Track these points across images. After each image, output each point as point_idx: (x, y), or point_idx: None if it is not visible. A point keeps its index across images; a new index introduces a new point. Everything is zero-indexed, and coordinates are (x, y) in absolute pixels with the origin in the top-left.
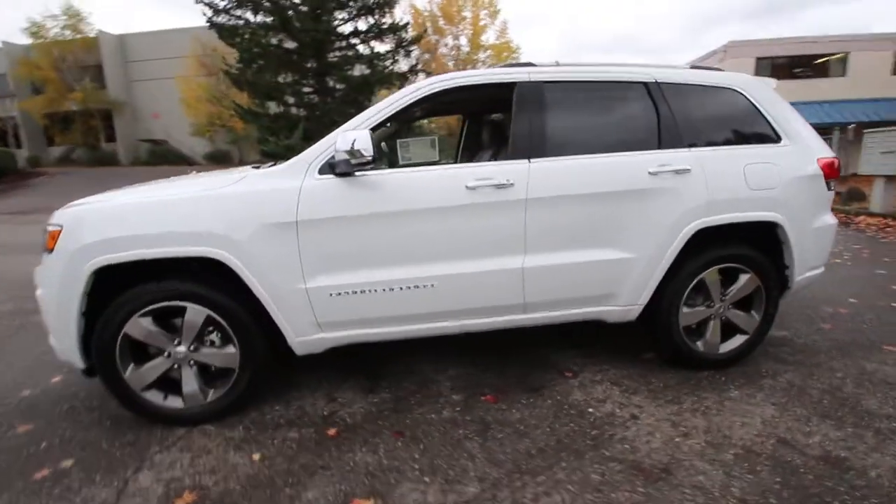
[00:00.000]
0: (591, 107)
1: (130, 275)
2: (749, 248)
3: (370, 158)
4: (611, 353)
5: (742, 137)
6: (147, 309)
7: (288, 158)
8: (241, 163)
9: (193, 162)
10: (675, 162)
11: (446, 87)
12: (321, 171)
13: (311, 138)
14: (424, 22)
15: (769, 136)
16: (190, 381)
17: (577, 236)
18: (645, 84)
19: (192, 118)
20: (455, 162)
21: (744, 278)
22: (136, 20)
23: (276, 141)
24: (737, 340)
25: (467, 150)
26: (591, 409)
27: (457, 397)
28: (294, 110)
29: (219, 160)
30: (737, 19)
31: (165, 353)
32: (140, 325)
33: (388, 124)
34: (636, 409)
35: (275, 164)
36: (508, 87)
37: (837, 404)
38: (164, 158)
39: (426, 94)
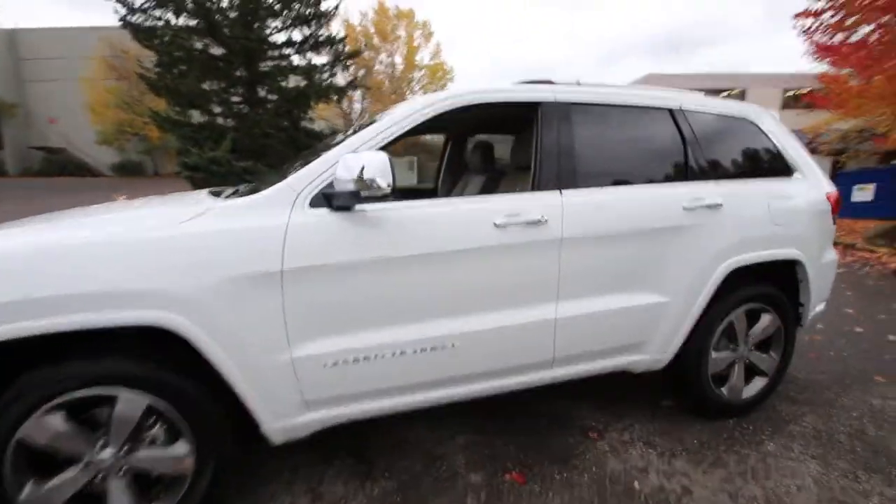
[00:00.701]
0: (618, 133)
1: (29, 352)
2: (772, 286)
3: (389, 191)
4: (625, 401)
5: (759, 170)
6: (56, 402)
7: (213, 171)
8: (156, 175)
9: (98, 173)
10: (707, 196)
11: (467, 102)
12: (313, 204)
13: (239, 150)
14: (358, 37)
15: (783, 169)
16: (120, 498)
17: (611, 279)
18: (670, 111)
19: (99, 125)
20: (437, 187)
21: (766, 318)
22: (32, 17)
23: (200, 153)
24: (758, 384)
25: (450, 174)
26: (636, 484)
27: (476, 478)
28: (221, 120)
29: (129, 171)
30: (639, 54)
31: (83, 462)
32: (43, 427)
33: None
34: (684, 479)
35: (238, 192)
36: (532, 106)
37: (872, 452)
38: (62, 168)
39: (445, 108)
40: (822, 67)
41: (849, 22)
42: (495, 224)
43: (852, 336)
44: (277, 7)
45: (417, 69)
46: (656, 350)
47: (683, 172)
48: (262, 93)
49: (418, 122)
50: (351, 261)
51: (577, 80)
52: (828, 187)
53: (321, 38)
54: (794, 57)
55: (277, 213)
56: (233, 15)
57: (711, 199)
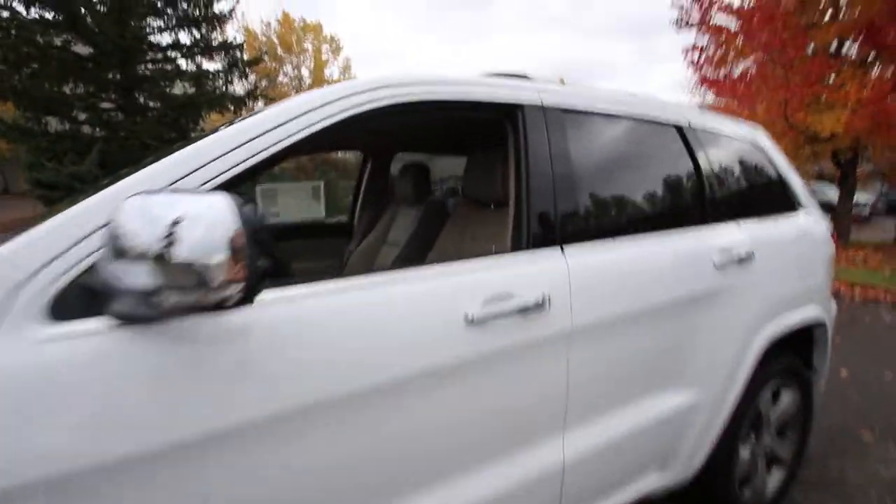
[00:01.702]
0: (624, 157)
1: None
2: (792, 355)
3: (241, 292)
4: None
5: (772, 205)
6: None
7: (75, 189)
8: (7, 193)
9: None
10: (736, 244)
11: (405, 98)
12: (57, 312)
13: (112, 164)
14: (261, 46)
15: (790, 203)
16: None
17: (633, 381)
18: (679, 128)
19: None
20: (352, 222)
21: (787, 396)
22: None
23: (58, 167)
24: (776, 476)
25: (370, 205)
26: None
27: None
28: (87, 129)
29: None
30: None
31: None
32: None
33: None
34: None
35: None
36: (508, 111)
37: None
38: None
39: (367, 106)
40: (698, 98)
41: (730, 56)
42: (468, 318)
43: None
44: (160, 5)
45: (327, 84)
46: (682, 464)
47: (702, 211)
48: (141, 99)
49: (313, 129)
50: (173, 441)
51: (560, 78)
52: (826, 222)
53: (214, 43)
54: (661, 91)
55: None
56: (102, 9)
57: (741, 249)
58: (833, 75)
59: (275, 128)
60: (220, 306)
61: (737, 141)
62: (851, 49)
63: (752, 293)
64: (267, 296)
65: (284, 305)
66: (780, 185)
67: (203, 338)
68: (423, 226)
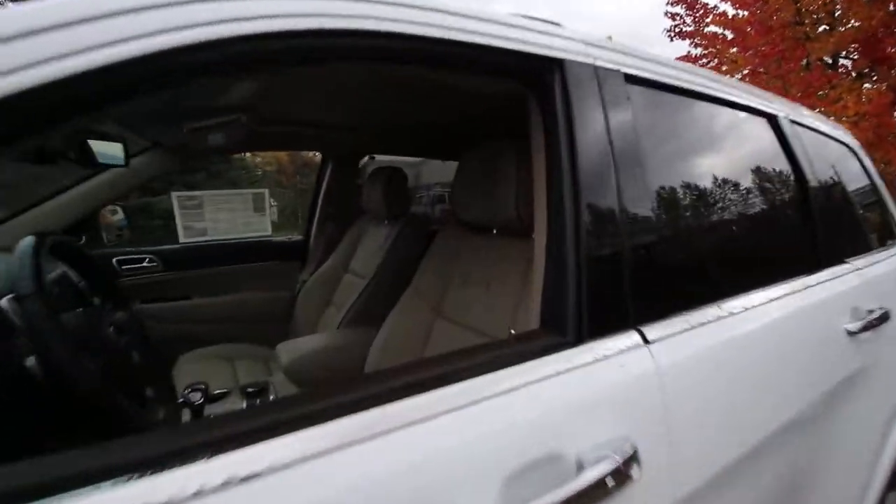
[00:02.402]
0: (721, 164)
1: None
2: None
3: None
4: None
5: (878, 236)
6: None
7: None
8: None
9: None
10: (864, 300)
11: (341, 24)
12: None
13: None
14: None
15: (891, 231)
16: None
17: None
18: (774, 118)
19: None
20: (308, 241)
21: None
22: None
23: None
24: None
25: (329, 221)
26: None
27: None
28: None
29: None
30: None
31: None
32: None
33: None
34: None
35: None
36: (537, 71)
37: None
38: None
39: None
40: None
41: (723, 68)
42: None
43: None
44: None
45: None
46: None
47: (813, 249)
48: None
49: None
50: None
51: (608, 36)
52: None
53: None
54: None
55: None
56: None
57: (871, 305)
58: (829, 89)
59: None
60: None
61: (833, 142)
62: (847, 61)
63: (887, 371)
64: None
65: None
66: (880, 205)
67: None
68: (397, 252)
